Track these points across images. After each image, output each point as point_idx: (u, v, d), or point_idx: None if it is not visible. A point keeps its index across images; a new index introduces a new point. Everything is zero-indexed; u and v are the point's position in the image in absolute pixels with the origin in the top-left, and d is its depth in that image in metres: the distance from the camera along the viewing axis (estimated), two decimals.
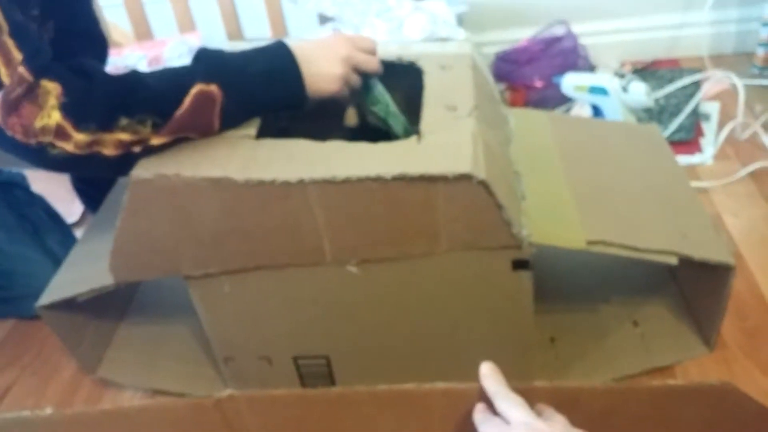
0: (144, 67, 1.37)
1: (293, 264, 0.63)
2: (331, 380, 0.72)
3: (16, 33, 0.60)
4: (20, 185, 0.98)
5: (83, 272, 0.72)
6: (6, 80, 0.60)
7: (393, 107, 0.73)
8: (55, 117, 0.59)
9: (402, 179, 0.56)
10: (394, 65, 0.75)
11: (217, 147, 0.62)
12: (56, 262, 0.79)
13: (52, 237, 0.94)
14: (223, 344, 0.71)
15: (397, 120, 0.72)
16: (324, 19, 1.35)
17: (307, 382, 0.73)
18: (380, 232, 0.60)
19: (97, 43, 0.91)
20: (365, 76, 0.71)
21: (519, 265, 0.62)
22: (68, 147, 0.60)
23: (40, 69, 0.59)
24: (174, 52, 1.39)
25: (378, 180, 0.57)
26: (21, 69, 0.59)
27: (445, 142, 0.59)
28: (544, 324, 0.76)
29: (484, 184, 0.56)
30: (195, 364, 0.80)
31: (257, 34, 1.40)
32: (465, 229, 0.59)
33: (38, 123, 0.59)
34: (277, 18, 1.43)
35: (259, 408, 0.56)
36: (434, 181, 0.56)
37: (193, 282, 0.66)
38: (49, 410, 0.60)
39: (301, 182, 0.57)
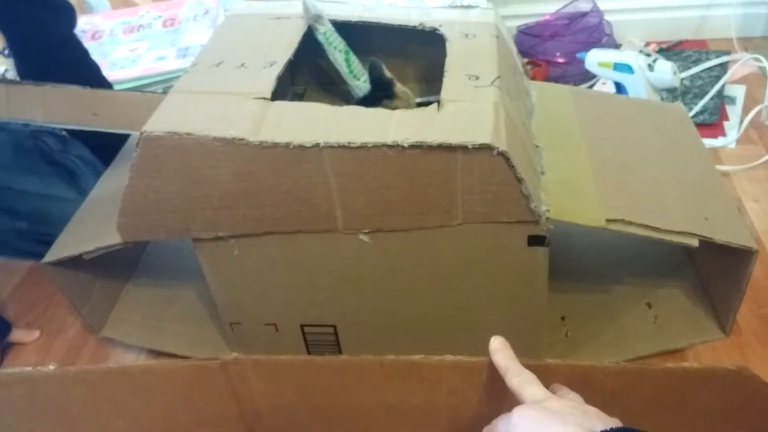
0: (159, 28, 1.35)
1: (304, 230, 0.62)
2: (338, 349, 0.72)
3: None
4: (52, 132, 0.96)
5: (91, 230, 0.71)
6: None
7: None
8: None
9: (419, 147, 0.55)
10: (415, 31, 0.73)
11: (231, 107, 0.60)
12: None
13: (88, 181, 0.93)
14: (229, 309, 0.70)
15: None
16: None
17: (314, 351, 0.72)
18: (395, 201, 0.59)
19: (53, 9, 0.91)
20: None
21: (535, 240, 0.60)
22: None
23: None
24: (190, 12, 1.37)
25: (395, 147, 0.55)
26: None
27: (465, 111, 0.58)
28: (555, 302, 0.75)
29: (503, 156, 0.54)
30: (200, 327, 0.79)
31: None
32: (482, 202, 0.58)
33: None
34: None
35: (264, 373, 0.55)
36: (453, 150, 0.54)
37: (202, 244, 0.65)
38: (52, 367, 0.59)
39: (316, 146, 0.56)
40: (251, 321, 0.71)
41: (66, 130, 0.91)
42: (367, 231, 0.61)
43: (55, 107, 0.71)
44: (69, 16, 0.94)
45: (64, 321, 0.88)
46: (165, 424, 0.60)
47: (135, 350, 0.81)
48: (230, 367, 0.55)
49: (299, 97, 0.83)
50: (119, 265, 0.84)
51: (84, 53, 0.98)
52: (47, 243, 0.90)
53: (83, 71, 0.96)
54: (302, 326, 0.70)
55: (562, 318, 0.76)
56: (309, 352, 0.72)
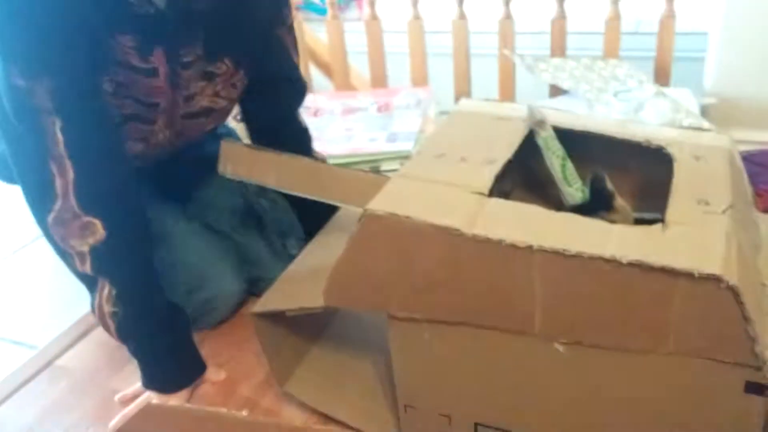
0: (374, 113, 1.46)
1: (499, 328, 0.61)
2: None
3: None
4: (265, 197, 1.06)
5: (296, 289, 0.77)
6: (59, 192, 0.74)
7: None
8: (85, 248, 0.76)
9: (639, 267, 0.53)
10: (634, 146, 0.72)
11: (449, 198, 0.63)
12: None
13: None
14: (407, 391, 0.71)
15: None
16: (556, 91, 1.35)
17: None
18: (601, 316, 0.57)
19: (292, 86, 1.04)
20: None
21: (753, 388, 0.54)
22: (78, 267, 0.78)
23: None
24: (404, 101, 1.46)
25: (612, 262, 0.54)
26: (72, 198, 0.74)
27: (693, 236, 0.55)
28: None
29: (733, 290, 0.51)
30: (373, 402, 0.80)
31: (486, 95, 1.44)
32: (699, 335, 0.54)
33: (73, 242, 0.76)
34: (507, 82, 1.45)
35: None
36: (676, 275, 0.52)
37: (395, 323, 0.67)
38: (244, 413, 0.63)
39: (528, 248, 0.56)
40: (426, 407, 0.71)
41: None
42: (564, 341, 0.59)
43: (287, 175, 0.79)
44: (298, 92, 1.05)
45: (249, 370, 0.93)
46: None
47: (307, 411, 0.84)
48: None
49: (505, 195, 0.84)
50: (311, 325, 0.88)
51: (304, 130, 1.08)
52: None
53: (299, 146, 1.05)
54: (476, 424, 0.69)
55: None
56: None
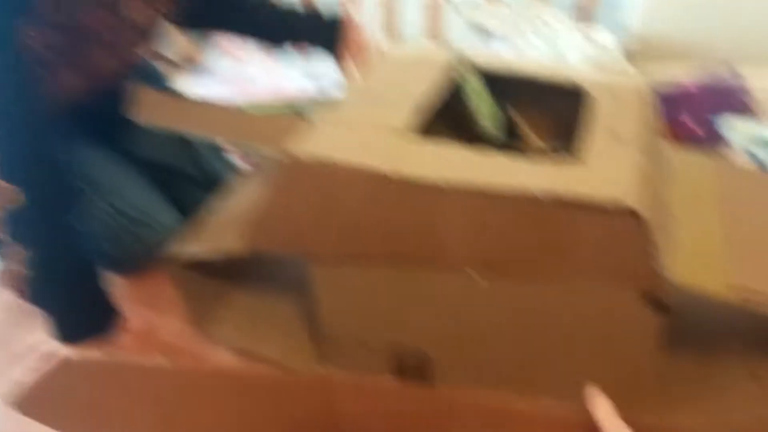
0: (299, 57, 1.42)
1: (421, 264, 0.63)
2: (426, 377, 0.71)
3: None
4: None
5: (215, 234, 0.75)
6: None
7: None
8: None
9: (552, 199, 0.55)
10: (553, 85, 0.73)
11: (371, 140, 0.63)
12: None
13: None
14: (329, 325, 0.71)
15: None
16: (482, 33, 1.34)
17: (402, 375, 0.72)
18: (516, 247, 0.59)
19: None
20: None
21: (654, 303, 0.59)
22: None
23: None
24: None
25: (527, 196, 0.55)
26: None
27: (603, 168, 0.57)
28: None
29: (637, 218, 0.53)
30: (296, 338, 0.79)
31: (414, 35, 1.42)
32: (606, 260, 0.57)
33: None
34: (436, 24, 1.44)
35: (355, 393, 0.56)
36: (587, 206, 0.54)
37: (317, 262, 0.67)
38: (160, 360, 0.62)
39: (447, 186, 0.57)
40: (347, 339, 0.71)
41: None
42: (481, 273, 0.61)
43: (204, 121, 0.76)
44: None
45: (170, 315, 0.91)
46: (253, 426, 0.62)
47: (232, 351, 0.83)
48: (324, 383, 0.56)
49: (429, 136, 0.84)
50: (229, 269, 0.87)
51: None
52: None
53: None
54: (396, 351, 0.70)
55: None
56: (397, 376, 0.72)
